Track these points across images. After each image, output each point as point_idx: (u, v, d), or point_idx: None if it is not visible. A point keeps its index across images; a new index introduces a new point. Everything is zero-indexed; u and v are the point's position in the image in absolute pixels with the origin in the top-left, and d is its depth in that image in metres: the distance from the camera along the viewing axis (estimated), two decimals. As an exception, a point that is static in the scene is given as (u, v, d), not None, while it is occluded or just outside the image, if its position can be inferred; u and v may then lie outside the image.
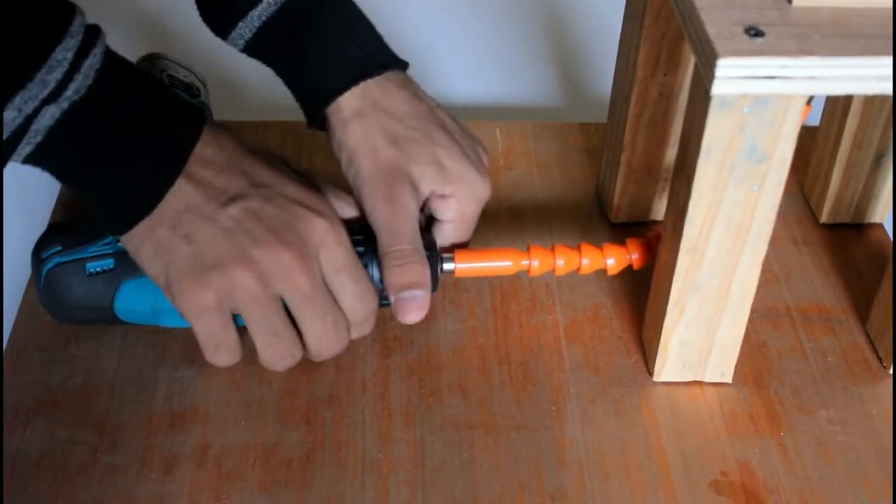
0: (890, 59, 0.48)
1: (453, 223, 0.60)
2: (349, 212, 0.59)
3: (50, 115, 0.48)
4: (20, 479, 0.55)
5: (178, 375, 0.61)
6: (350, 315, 0.56)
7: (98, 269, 0.59)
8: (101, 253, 0.59)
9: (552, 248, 0.61)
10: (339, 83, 0.58)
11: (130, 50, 0.55)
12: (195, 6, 0.60)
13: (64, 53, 0.47)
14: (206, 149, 0.53)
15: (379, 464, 0.57)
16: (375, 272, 0.57)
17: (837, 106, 0.69)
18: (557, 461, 0.58)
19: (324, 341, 0.55)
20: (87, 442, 0.57)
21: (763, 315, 0.67)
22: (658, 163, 0.69)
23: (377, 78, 0.58)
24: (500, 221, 0.73)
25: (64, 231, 0.61)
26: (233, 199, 0.53)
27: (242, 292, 0.53)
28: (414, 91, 0.60)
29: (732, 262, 0.56)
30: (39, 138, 0.49)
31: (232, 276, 0.52)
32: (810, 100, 0.51)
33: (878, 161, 0.69)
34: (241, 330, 0.55)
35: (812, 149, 0.73)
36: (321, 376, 0.61)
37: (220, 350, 0.55)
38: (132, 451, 0.57)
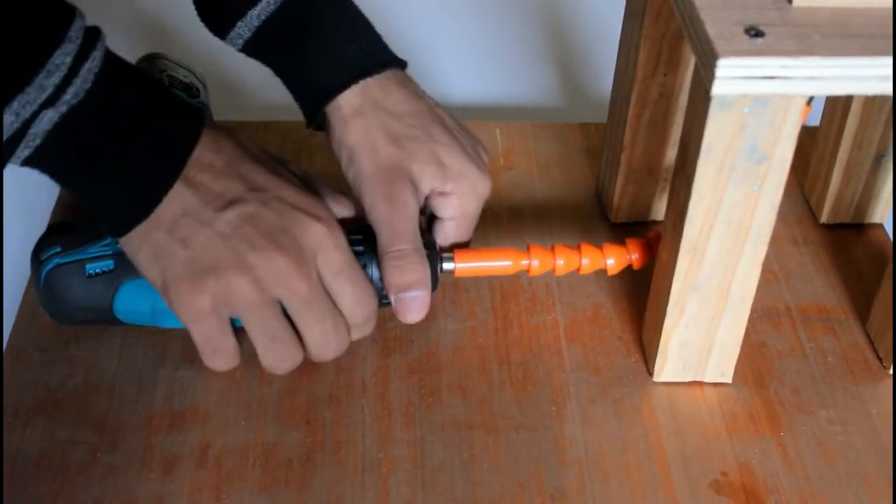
0: (890, 59, 0.48)
1: (454, 220, 0.60)
2: (346, 212, 0.59)
3: (48, 118, 0.48)
4: (20, 479, 0.55)
5: (178, 375, 0.61)
6: (350, 318, 0.56)
7: (97, 271, 0.59)
8: (100, 254, 0.59)
9: (552, 248, 0.61)
10: (339, 82, 0.58)
11: (130, 50, 0.55)
12: (194, 6, 0.60)
13: (62, 58, 0.47)
14: (204, 152, 0.53)
15: (379, 464, 0.57)
16: (375, 272, 0.57)
17: (837, 106, 0.69)
18: (557, 461, 0.58)
19: (324, 344, 0.55)
20: (87, 442, 0.57)
21: (763, 315, 0.67)
22: (658, 163, 0.69)
23: (377, 77, 0.58)
24: (500, 221, 0.73)
25: (63, 232, 0.61)
26: (230, 203, 0.53)
27: (239, 297, 0.53)
28: (413, 89, 0.60)
29: (732, 263, 0.56)
30: (38, 142, 0.49)
31: (228, 282, 0.52)
32: (810, 100, 0.51)
33: (878, 161, 0.69)
34: (242, 332, 0.55)
35: (812, 149, 0.73)
36: (321, 376, 0.61)
37: (217, 354, 0.55)
38: (132, 451, 0.57)
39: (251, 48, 0.59)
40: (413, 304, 0.57)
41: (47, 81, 0.47)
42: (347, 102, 0.58)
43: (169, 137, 0.52)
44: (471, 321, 0.65)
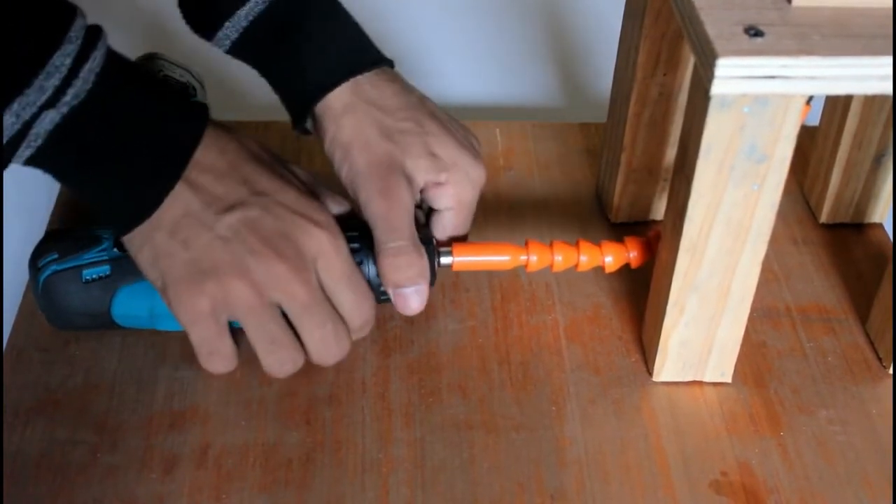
0: (890, 59, 0.48)
1: (451, 210, 0.60)
2: (344, 211, 0.58)
3: (50, 119, 0.48)
4: (20, 479, 0.55)
5: (178, 375, 0.61)
6: (348, 322, 0.56)
7: (94, 276, 0.59)
8: (97, 259, 0.59)
9: (550, 244, 0.61)
10: (330, 80, 0.58)
11: (130, 50, 0.54)
12: (178, 7, 0.60)
13: (62, 59, 0.47)
14: (206, 153, 0.53)
15: (379, 464, 0.57)
16: (372, 268, 0.57)
17: (837, 106, 0.69)
18: (557, 461, 0.58)
19: (324, 349, 0.55)
20: (87, 442, 0.57)
21: (763, 315, 0.67)
22: (658, 163, 0.69)
23: (366, 74, 0.59)
24: (500, 221, 0.73)
25: (60, 238, 0.61)
26: (231, 207, 0.53)
27: (237, 301, 0.53)
28: (402, 85, 0.60)
29: (732, 262, 0.56)
30: (40, 142, 0.48)
31: (227, 285, 0.52)
32: (810, 99, 0.51)
33: (877, 161, 0.69)
34: (242, 334, 0.55)
35: (812, 149, 0.73)
36: (321, 376, 0.61)
37: (214, 357, 0.55)
38: (132, 451, 0.57)
39: (238, 49, 0.59)
40: (413, 297, 0.57)
41: (47, 83, 0.47)
42: (338, 100, 0.58)
43: (170, 138, 0.52)
44: (471, 321, 0.65)
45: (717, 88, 0.48)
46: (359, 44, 0.60)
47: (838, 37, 0.49)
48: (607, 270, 0.63)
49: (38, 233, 0.64)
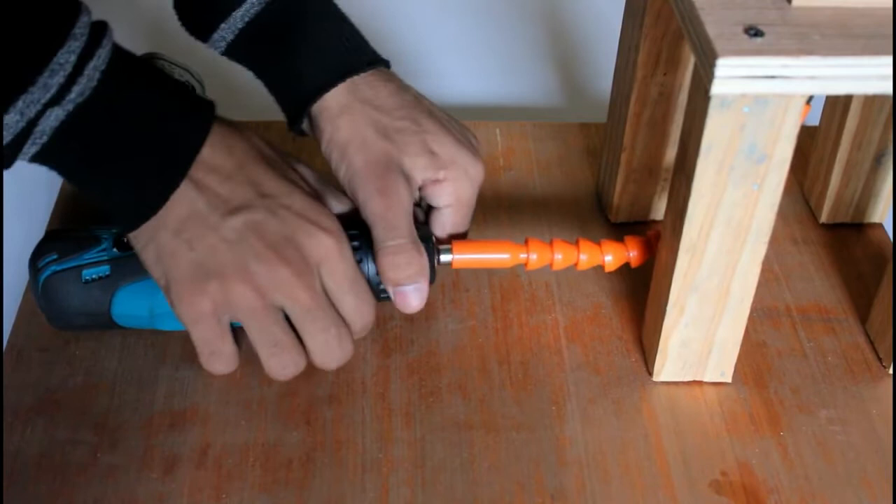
0: (890, 59, 0.48)
1: (450, 207, 0.60)
2: (345, 208, 0.58)
3: (55, 116, 0.48)
4: (20, 479, 0.55)
5: (178, 375, 0.61)
6: (350, 325, 0.56)
7: (94, 276, 0.59)
8: (96, 260, 0.59)
9: (550, 243, 0.61)
10: (326, 80, 0.58)
11: (129, 49, 0.54)
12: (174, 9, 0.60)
13: (67, 56, 0.47)
14: (214, 153, 0.53)
15: (379, 464, 0.57)
16: (372, 266, 0.57)
17: (837, 106, 0.69)
18: (557, 461, 0.58)
19: (327, 353, 0.55)
20: (87, 442, 0.57)
21: (763, 315, 0.67)
22: (658, 162, 0.69)
23: (362, 74, 0.58)
24: (500, 221, 0.73)
25: (60, 239, 0.61)
26: (237, 209, 0.53)
27: (239, 303, 0.53)
28: (399, 84, 0.60)
29: (732, 262, 0.56)
30: (45, 139, 0.48)
31: (229, 288, 0.52)
32: (810, 99, 0.51)
33: (878, 161, 0.69)
34: (244, 335, 0.55)
35: (812, 149, 0.73)
36: (321, 376, 0.61)
37: (215, 358, 0.55)
38: (132, 451, 0.57)
39: (234, 50, 0.59)
40: (413, 295, 0.57)
41: (51, 81, 0.47)
42: (335, 101, 0.58)
43: (176, 137, 0.52)
44: (471, 321, 0.65)
45: (717, 88, 0.48)
46: (355, 44, 0.60)
47: (838, 37, 0.49)
48: (607, 269, 0.63)
49: (38, 233, 0.64)
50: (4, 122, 0.46)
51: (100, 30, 0.49)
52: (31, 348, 0.62)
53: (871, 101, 0.66)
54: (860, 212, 0.73)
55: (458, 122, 0.63)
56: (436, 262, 0.59)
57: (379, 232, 0.56)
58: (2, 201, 0.58)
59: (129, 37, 0.51)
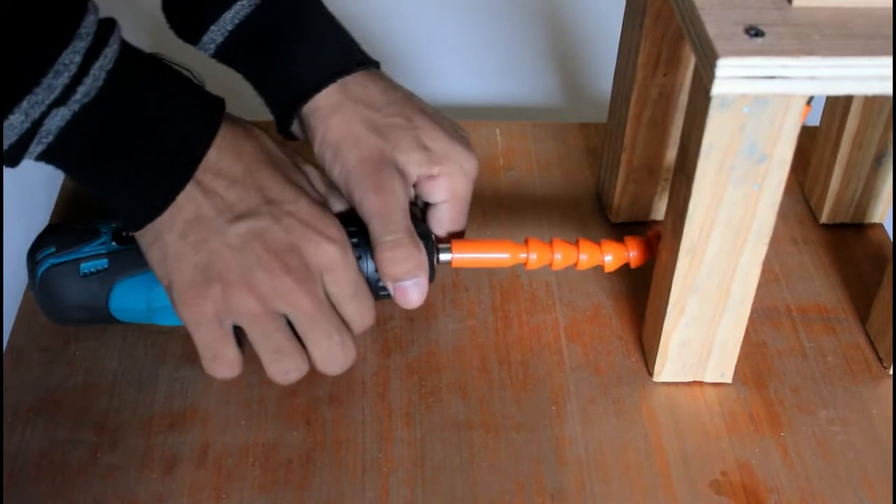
0: (890, 59, 0.48)
1: (447, 203, 0.60)
2: (347, 207, 0.58)
3: (60, 116, 0.48)
4: (20, 479, 0.55)
5: (178, 375, 0.61)
6: (351, 328, 0.56)
7: (92, 270, 0.59)
8: (94, 253, 0.59)
9: (550, 242, 0.61)
10: (317, 81, 0.58)
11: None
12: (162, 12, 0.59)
13: (71, 57, 0.47)
14: (221, 156, 0.52)
15: (379, 464, 0.57)
16: (370, 264, 0.57)
17: (837, 106, 0.69)
18: (557, 461, 0.58)
19: (331, 359, 0.55)
20: (87, 442, 0.57)
21: (763, 315, 0.67)
22: (658, 162, 0.69)
23: (353, 74, 0.58)
24: (501, 221, 0.73)
25: (58, 232, 0.61)
26: (243, 215, 0.53)
27: (241, 309, 0.53)
28: (390, 83, 0.60)
29: (732, 262, 0.56)
30: (51, 138, 0.48)
31: (231, 293, 0.52)
32: (810, 100, 0.51)
33: (878, 161, 0.69)
34: (246, 338, 0.55)
35: (812, 149, 0.73)
36: (321, 376, 0.61)
37: (217, 362, 0.55)
38: (132, 451, 0.57)
39: (223, 53, 0.59)
40: (413, 290, 0.57)
41: (56, 82, 0.46)
42: (326, 101, 0.58)
43: (182, 140, 0.52)
44: (471, 321, 0.65)
45: (718, 88, 0.48)
46: (345, 45, 0.60)
47: (838, 37, 0.49)
48: (607, 270, 0.63)
49: (38, 232, 0.64)
50: (10, 122, 0.46)
51: (107, 28, 0.48)
52: (31, 348, 0.62)
53: (871, 101, 0.66)
54: (860, 212, 0.73)
55: (450, 119, 0.62)
56: (435, 260, 0.59)
57: (376, 228, 0.56)
58: (2, 200, 0.58)
59: (129, 37, 0.51)
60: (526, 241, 0.61)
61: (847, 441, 0.59)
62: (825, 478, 0.57)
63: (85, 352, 0.62)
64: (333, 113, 0.58)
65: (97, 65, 0.48)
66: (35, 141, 0.48)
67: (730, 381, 0.62)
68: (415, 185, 0.59)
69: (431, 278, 0.58)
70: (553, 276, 0.68)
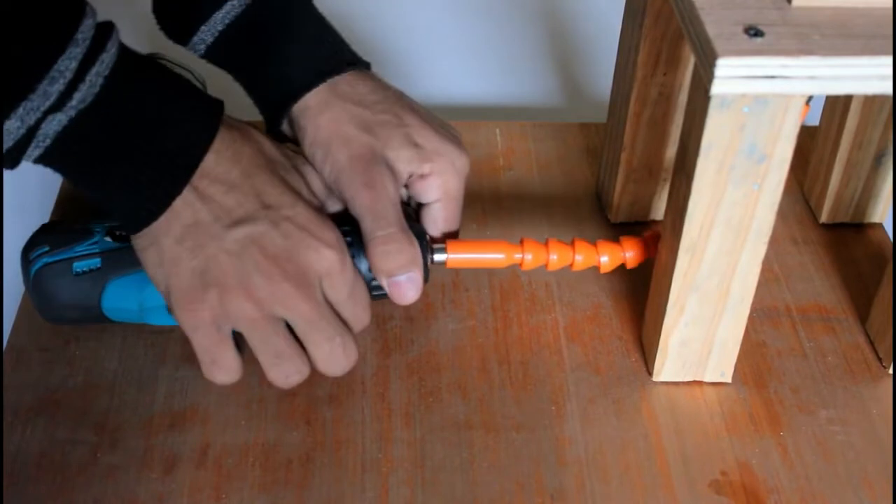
0: (890, 59, 0.48)
1: (439, 202, 0.60)
2: (342, 207, 0.58)
3: (57, 121, 0.48)
4: (20, 479, 0.55)
5: (178, 375, 0.61)
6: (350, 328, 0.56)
7: (85, 269, 0.59)
8: (87, 252, 0.59)
9: (546, 243, 0.61)
10: (308, 80, 0.58)
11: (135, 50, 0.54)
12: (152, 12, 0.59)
13: (67, 63, 0.46)
14: (218, 161, 0.52)
15: (379, 464, 0.57)
16: (365, 263, 0.57)
17: (837, 106, 0.69)
18: (557, 461, 0.58)
19: (333, 361, 0.55)
20: (87, 442, 0.57)
21: (763, 315, 0.67)
22: (658, 162, 0.69)
23: (343, 74, 0.58)
24: (500, 221, 0.73)
25: (52, 231, 0.61)
26: (240, 220, 0.52)
27: (238, 315, 0.53)
28: (379, 82, 0.60)
29: (732, 262, 0.56)
30: (48, 142, 0.48)
31: (228, 299, 0.52)
32: (809, 99, 0.51)
33: (877, 161, 0.69)
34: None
35: (812, 148, 0.73)
36: (321, 376, 0.61)
37: (217, 367, 0.54)
38: (132, 451, 0.57)
39: (213, 53, 0.59)
40: (407, 285, 0.57)
41: (51, 88, 0.46)
42: (316, 100, 0.58)
43: (179, 146, 0.51)
44: (471, 321, 0.65)
45: (717, 88, 0.48)
46: (335, 45, 0.60)
47: (838, 37, 0.49)
48: (602, 270, 0.63)
49: (37, 232, 0.64)
50: (6, 127, 0.46)
51: (105, 32, 0.48)
52: (31, 348, 0.62)
53: (871, 101, 0.66)
54: (860, 212, 0.73)
55: (440, 119, 0.62)
56: (430, 261, 0.59)
57: (368, 223, 0.56)
58: (2, 200, 0.58)
59: (129, 37, 0.51)
60: (521, 242, 0.61)
61: (847, 441, 0.59)
62: (825, 478, 0.57)
63: (85, 352, 0.62)
64: (323, 112, 0.58)
65: (94, 70, 0.47)
66: (32, 145, 0.48)
67: (730, 380, 0.62)
68: (407, 186, 0.59)
69: (426, 278, 0.58)
70: (553, 276, 0.68)
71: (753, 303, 0.58)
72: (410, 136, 0.58)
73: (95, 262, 0.59)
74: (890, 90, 0.49)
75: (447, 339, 0.64)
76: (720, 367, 0.61)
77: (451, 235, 0.61)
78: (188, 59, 0.68)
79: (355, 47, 0.61)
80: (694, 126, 0.52)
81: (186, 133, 0.52)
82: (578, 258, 0.62)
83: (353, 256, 0.56)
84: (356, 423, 0.59)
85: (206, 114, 0.53)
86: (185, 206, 0.52)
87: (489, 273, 0.68)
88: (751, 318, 0.59)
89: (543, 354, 0.63)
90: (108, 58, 0.48)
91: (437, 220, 0.60)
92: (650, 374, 0.62)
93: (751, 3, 0.50)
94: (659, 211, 0.72)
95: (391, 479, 0.56)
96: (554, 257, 0.61)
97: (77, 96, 0.47)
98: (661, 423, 0.60)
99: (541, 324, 0.65)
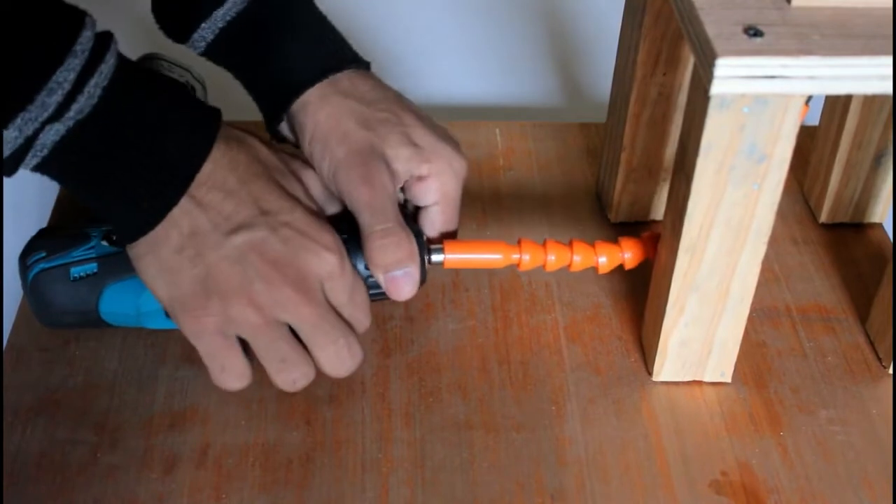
0: (890, 59, 0.48)
1: (438, 205, 0.59)
2: (340, 209, 0.58)
3: (55, 131, 0.48)
4: (20, 479, 0.55)
5: (178, 375, 0.61)
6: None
7: (82, 274, 0.59)
8: (84, 257, 0.59)
9: (544, 243, 0.61)
10: (308, 77, 0.58)
11: (130, 50, 0.54)
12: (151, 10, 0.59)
13: (65, 75, 0.46)
14: (216, 169, 0.52)
15: (379, 464, 0.57)
16: (361, 262, 0.57)
17: (837, 106, 0.69)
18: (557, 461, 0.58)
19: (338, 363, 0.55)
20: (87, 442, 0.57)
21: (763, 315, 0.67)
22: (658, 162, 0.69)
23: (343, 72, 0.58)
24: (501, 221, 0.73)
25: (49, 236, 0.61)
26: (239, 227, 0.52)
27: (242, 321, 0.53)
28: (379, 81, 0.60)
29: (732, 262, 0.56)
30: (45, 152, 0.48)
31: (231, 306, 0.52)
32: (809, 99, 0.51)
33: (877, 161, 0.69)
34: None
35: (812, 148, 0.73)
36: (321, 376, 0.61)
37: (226, 374, 0.54)
38: (132, 451, 0.57)
39: (213, 50, 0.59)
40: (404, 281, 0.56)
41: (49, 100, 0.46)
42: (315, 97, 0.57)
43: (176, 156, 0.51)
44: (471, 321, 0.65)
45: (717, 88, 0.48)
46: (336, 44, 0.60)
47: (838, 37, 0.49)
48: (600, 271, 0.62)
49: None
50: (4, 136, 0.46)
51: (103, 43, 0.48)
52: (31, 348, 0.62)
53: (870, 101, 0.66)
54: (860, 212, 0.73)
55: (438, 123, 0.62)
56: (427, 261, 0.59)
57: (365, 218, 0.56)
58: (2, 202, 0.58)
59: (129, 37, 0.51)
60: (519, 242, 0.61)
61: (847, 441, 0.59)
62: (825, 478, 0.57)
63: (85, 352, 0.62)
64: (322, 108, 0.57)
65: (92, 82, 0.47)
66: (30, 154, 0.48)
67: (729, 380, 0.62)
68: (404, 189, 0.59)
69: (423, 279, 0.58)
70: (553, 276, 0.68)
71: (753, 303, 0.58)
72: (409, 136, 0.58)
73: (92, 266, 0.59)
74: (890, 90, 0.49)
75: (447, 339, 0.64)
76: (720, 367, 0.61)
77: (449, 236, 0.61)
78: (187, 59, 0.68)
79: (355, 47, 0.61)
80: (693, 126, 0.52)
81: (184, 143, 0.52)
82: (576, 259, 0.61)
83: (349, 253, 0.56)
84: (356, 423, 0.59)
85: (204, 123, 0.53)
86: (183, 215, 0.52)
87: (489, 273, 0.68)
88: (751, 318, 0.59)
89: (543, 354, 0.63)
90: (106, 69, 0.48)
91: (434, 224, 0.60)
92: (650, 374, 0.62)
93: (750, 3, 0.50)
94: (659, 211, 0.72)
95: (391, 479, 0.56)
96: (551, 258, 0.61)
97: (75, 107, 0.47)
98: (661, 423, 0.60)
99: (541, 324, 0.65)
